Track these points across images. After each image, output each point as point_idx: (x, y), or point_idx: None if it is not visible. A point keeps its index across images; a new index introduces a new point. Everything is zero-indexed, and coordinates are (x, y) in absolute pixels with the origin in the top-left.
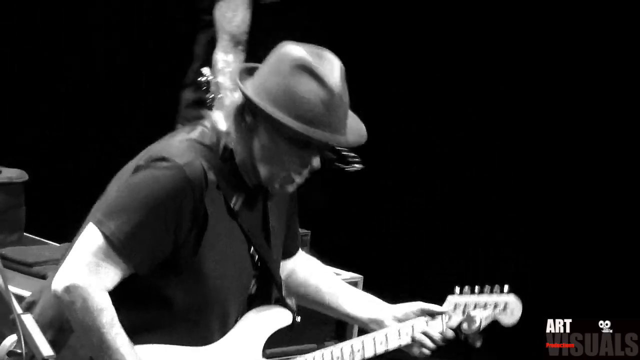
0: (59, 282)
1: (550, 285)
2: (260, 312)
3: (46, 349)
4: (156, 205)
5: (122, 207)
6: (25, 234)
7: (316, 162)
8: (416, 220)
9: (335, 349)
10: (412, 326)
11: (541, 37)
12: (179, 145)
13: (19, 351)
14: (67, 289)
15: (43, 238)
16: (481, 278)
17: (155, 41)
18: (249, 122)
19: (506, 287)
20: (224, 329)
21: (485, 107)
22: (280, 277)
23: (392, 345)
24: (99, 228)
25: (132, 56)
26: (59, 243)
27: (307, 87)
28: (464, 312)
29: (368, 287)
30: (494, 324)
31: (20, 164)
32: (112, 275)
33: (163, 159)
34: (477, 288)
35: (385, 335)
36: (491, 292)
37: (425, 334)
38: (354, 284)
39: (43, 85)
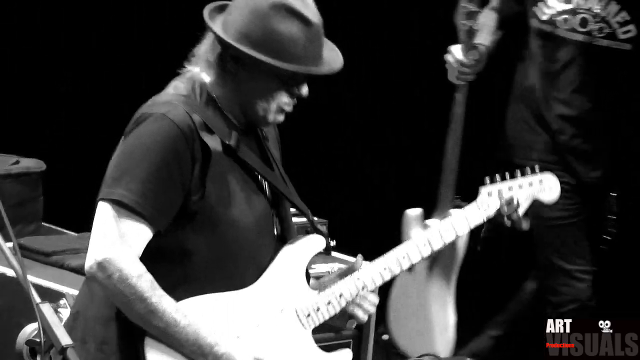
0: (90, 263)
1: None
2: (292, 244)
3: (65, 339)
4: (154, 155)
5: (123, 171)
6: (43, 223)
7: (305, 90)
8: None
9: (400, 249)
10: (452, 223)
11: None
12: (155, 103)
13: (37, 340)
14: (100, 266)
15: (61, 228)
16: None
17: (175, 27)
18: (231, 67)
19: (537, 167)
20: (258, 270)
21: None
22: (302, 203)
23: (437, 246)
24: (108, 199)
25: (154, 44)
26: (77, 233)
27: (287, 26)
28: (500, 197)
29: None
30: None
31: (37, 153)
32: (137, 240)
33: (143, 115)
34: (507, 174)
35: (428, 239)
36: (523, 174)
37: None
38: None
39: (61, 74)
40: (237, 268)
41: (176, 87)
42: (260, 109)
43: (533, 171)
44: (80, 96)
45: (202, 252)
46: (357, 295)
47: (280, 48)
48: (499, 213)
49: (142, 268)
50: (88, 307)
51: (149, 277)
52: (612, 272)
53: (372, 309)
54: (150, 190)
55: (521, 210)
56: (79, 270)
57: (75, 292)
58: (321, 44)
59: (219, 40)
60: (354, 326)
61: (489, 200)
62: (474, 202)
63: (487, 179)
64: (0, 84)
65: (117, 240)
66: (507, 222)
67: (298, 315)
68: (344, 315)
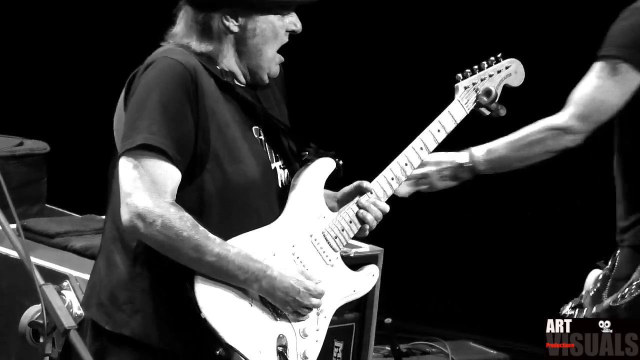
0: (128, 217)
1: (550, 285)
2: (304, 171)
3: (68, 320)
4: (167, 95)
5: (140, 116)
6: (46, 205)
7: (299, 24)
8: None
9: (386, 171)
10: (439, 121)
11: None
12: (156, 52)
13: (40, 322)
14: (141, 216)
15: (65, 209)
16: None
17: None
18: (233, 28)
19: (500, 54)
20: (271, 206)
21: None
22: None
23: (430, 146)
24: (131, 149)
25: (159, 26)
26: (81, 214)
27: None
28: (475, 90)
29: (388, 261)
30: None
31: (41, 135)
32: (169, 183)
33: (148, 64)
34: (475, 67)
35: (421, 140)
36: (489, 65)
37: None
38: (375, 257)
39: (64, 56)
40: (251, 211)
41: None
42: (266, 60)
43: (497, 60)
44: (84, 78)
45: (217, 199)
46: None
47: None
48: (478, 104)
49: (181, 209)
50: (107, 275)
51: (189, 216)
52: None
53: (380, 216)
54: (170, 129)
55: (496, 97)
56: (82, 252)
57: (79, 274)
58: None
59: (215, 3)
60: (366, 233)
61: (467, 93)
62: (455, 99)
63: (460, 75)
64: (4, 67)
65: (151, 187)
66: (487, 112)
67: (327, 239)
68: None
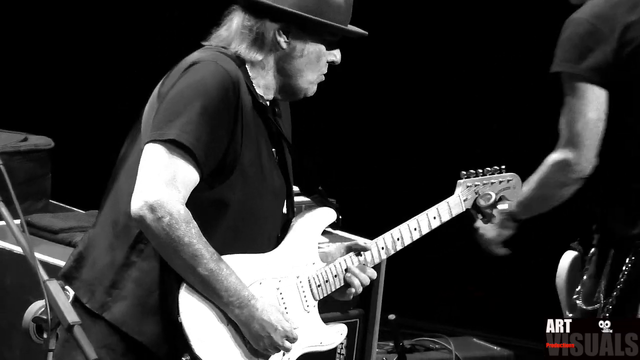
0: (139, 204)
1: (550, 284)
2: (306, 215)
3: (72, 316)
4: (208, 100)
5: (177, 112)
6: (51, 200)
7: (339, 56)
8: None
9: (379, 240)
10: (447, 203)
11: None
12: (203, 53)
13: (44, 317)
14: (152, 207)
15: (69, 205)
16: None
17: (189, 6)
18: (282, 42)
19: (503, 167)
20: (270, 237)
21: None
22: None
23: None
24: (161, 140)
25: (163, 22)
26: (85, 210)
27: None
28: (476, 192)
29: (391, 258)
30: None
31: (46, 131)
32: (187, 184)
33: (195, 63)
34: (480, 170)
35: (417, 221)
36: (492, 173)
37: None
38: None
39: (69, 52)
40: (257, 233)
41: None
42: (306, 81)
43: (500, 171)
44: (88, 74)
45: (233, 205)
46: (358, 268)
47: (329, 12)
48: (475, 205)
49: (190, 214)
50: (101, 252)
51: (195, 224)
52: None
53: (367, 282)
54: (204, 133)
55: (494, 203)
56: None
57: None
58: (351, 14)
59: (279, 12)
60: (351, 297)
61: (468, 192)
62: (455, 193)
63: (464, 172)
64: (9, 63)
65: (170, 182)
66: (479, 217)
67: (310, 285)
68: (345, 285)
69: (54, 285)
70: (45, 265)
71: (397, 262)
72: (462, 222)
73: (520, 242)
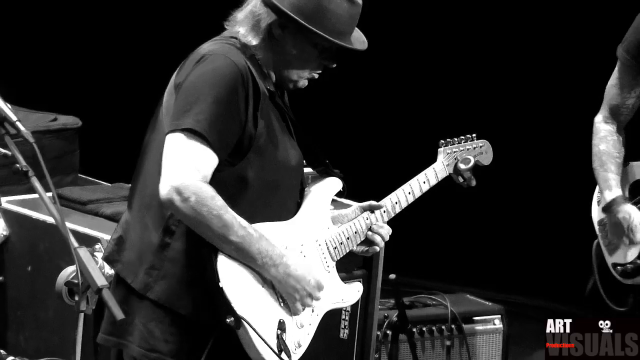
0: (166, 189)
1: (550, 284)
2: (316, 185)
3: (101, 280)
4: (218, 91)
5: (192, 103)
6: (79, 175)
7: (335, 62)
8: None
9: (392, 195)
10: (434, 169)
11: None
12: (212, 47)
13: (75, 281)
14: (178, 190)
15: (96, 179)
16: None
17: None
18: (277, 35)
19: (474, 135)
20: (289, 207)
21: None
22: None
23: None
24: (179, 129)
25: (192, 4)
26: (111, 183)
27: (337, 3)
28: (455, 158)
29: (391, 220)
30: None
31: (74, 111)
32: (207, 165)
33: (205, 56)
34: (455, 139)
35: (410, 185)
36: (466, 140)
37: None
38: None
39: (95, 33)
40: (277, 204)
41: (230, 41)
42: (294, 74)
43: (472, 139)
44: (113, 58)
45: (252, 183)
46: (373, 227)
47: (327, 22)
48: (456, 169)
49: (213, 190)
50: (138, 236)
51: (220, 198)
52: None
53: (387, 238)
54: (216, 121)
55: (473, 167)
56: (112, 218)
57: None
58: (356, 23)
59: (275, 9)
60: (376, 251)
61: (449, 158)
62: (438, 159)
63: (442, 141)
64: (39, 48)
65: (190, 165)
66: (460, 179)
67: (328, 248)
68: (363, 243)
69: (83, 252)
70: (75, 233)
71: (396, 226)
72: (450, 186)
73: (515, 202)
